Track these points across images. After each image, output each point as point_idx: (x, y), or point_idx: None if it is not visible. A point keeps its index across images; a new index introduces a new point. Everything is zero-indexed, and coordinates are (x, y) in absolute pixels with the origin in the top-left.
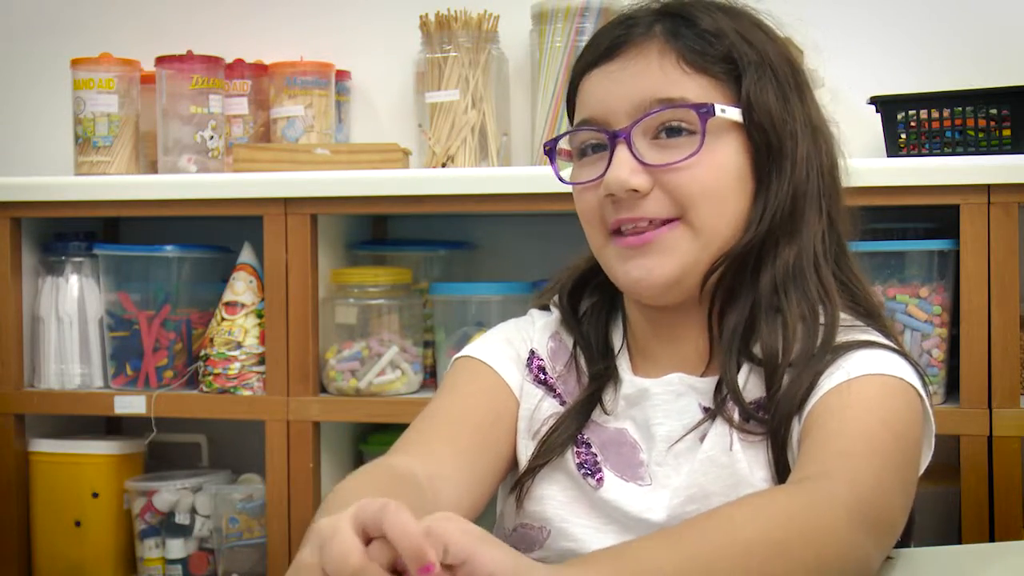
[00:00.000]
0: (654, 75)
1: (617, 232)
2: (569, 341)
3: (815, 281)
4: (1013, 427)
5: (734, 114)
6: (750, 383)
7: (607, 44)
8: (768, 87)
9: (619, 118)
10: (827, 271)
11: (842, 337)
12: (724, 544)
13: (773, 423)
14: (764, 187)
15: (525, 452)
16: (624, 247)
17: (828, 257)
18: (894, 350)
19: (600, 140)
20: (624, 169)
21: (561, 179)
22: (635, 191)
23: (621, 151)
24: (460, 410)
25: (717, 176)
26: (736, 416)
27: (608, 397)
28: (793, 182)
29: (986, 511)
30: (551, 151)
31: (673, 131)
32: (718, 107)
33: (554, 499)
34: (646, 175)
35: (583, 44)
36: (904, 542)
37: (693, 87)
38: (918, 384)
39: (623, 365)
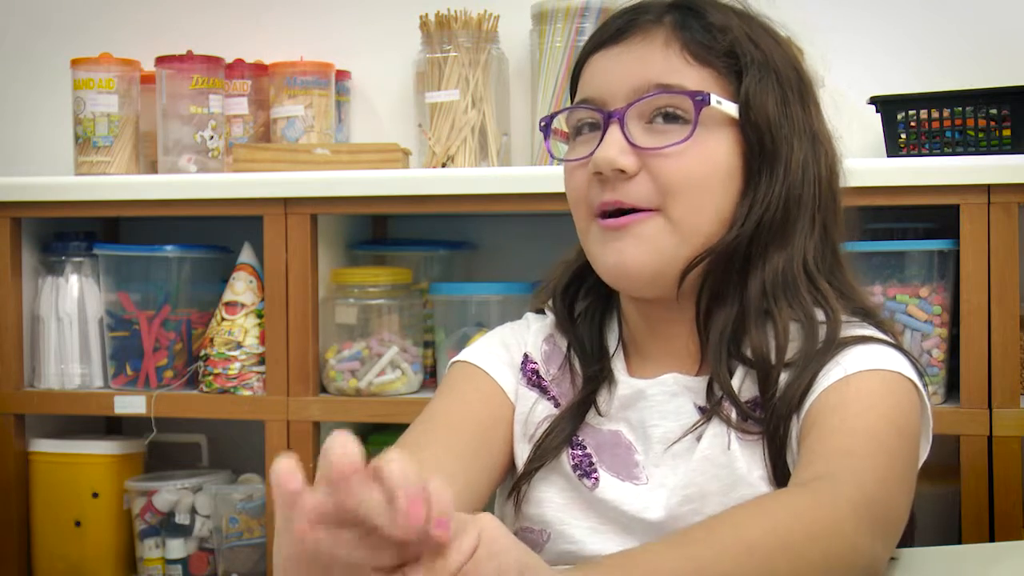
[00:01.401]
0: (656, 61)
1: (601, 216)
2: (563, 343)
3: (808, 287)
4: (1013, 427)
5: (730, 108)
6: (746, 383)
7: (615, 28)
8: (769, 89)
9: (616, 100)
10: (821, 279)
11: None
12: (729, 544)
13: (771, 422)
14: (753, 187)
15: (522, 455)
16: (604, 228)
17: (822, 267)
18: (890, 344)
19: (595, 120)
20: (613, 148)
21: (552, 155)
22: (622, 171)
23: (613, 131)
24: (456, 415)
25: (704, 168)
26: (733, 415)
27: (602, 399)
28: (786, 187)
29: (986, 511)
30: (546, 127)
31: (668, 117)
32: (714, 98)
33: (552, 501)
34: (634, 156)
35: (583, 44)
36: (904, 542)
37: (694, 77)
38: (915, 377)
39: (618, 366)
